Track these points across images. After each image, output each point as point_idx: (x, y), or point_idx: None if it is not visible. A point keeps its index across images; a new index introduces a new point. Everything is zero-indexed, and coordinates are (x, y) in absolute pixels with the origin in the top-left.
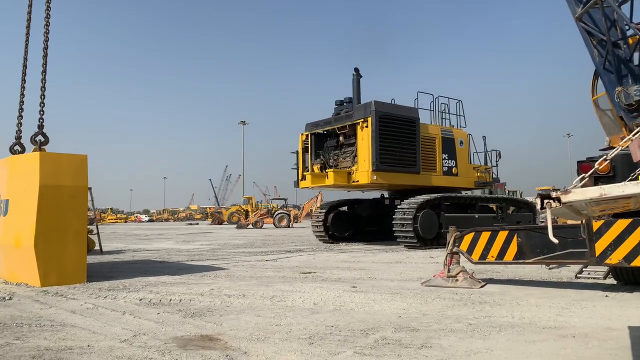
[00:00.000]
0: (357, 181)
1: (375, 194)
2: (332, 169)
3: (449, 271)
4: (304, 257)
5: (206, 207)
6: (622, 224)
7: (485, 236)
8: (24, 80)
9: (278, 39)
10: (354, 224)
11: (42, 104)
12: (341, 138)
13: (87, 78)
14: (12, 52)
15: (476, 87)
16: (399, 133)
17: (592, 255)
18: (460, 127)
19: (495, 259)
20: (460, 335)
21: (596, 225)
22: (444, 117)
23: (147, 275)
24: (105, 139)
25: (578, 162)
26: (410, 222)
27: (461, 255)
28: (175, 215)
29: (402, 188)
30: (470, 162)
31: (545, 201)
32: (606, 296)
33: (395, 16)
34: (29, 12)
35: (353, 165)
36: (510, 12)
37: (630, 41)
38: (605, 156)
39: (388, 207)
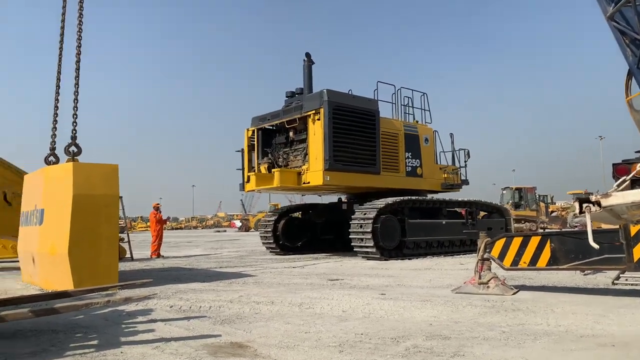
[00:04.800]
0: (308, 182)
1: (333, 198)
2: (278, 169)
3: (480, 278)
4: (331, 263)
5: (234, 215)
6: None
7: (517, 242)
8: (57, 94)
9: (317, 40)
10: (308, 232)
11: (74, 116)
12: (291, 133)
13: (119, 85)
14: (47, 64)
15: (499, 88)
16: (356, 127)
17: (630, 260)
18: (426, 122)
19: (528, 265)
20: (493, 343)
21: (634, 229)
22: (407, 111)
23: (177, 283)
24: (136, 149)
25: (613, 164)
26: (369, 230)
27: (492, 261)
28: (204, 223)
29: (361, 191)
30: (437, 162)
31: (585, 205)
32: None
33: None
34: (62, 27)
35: (304, 164)
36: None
37: None
38: None
39: (346, 213)
